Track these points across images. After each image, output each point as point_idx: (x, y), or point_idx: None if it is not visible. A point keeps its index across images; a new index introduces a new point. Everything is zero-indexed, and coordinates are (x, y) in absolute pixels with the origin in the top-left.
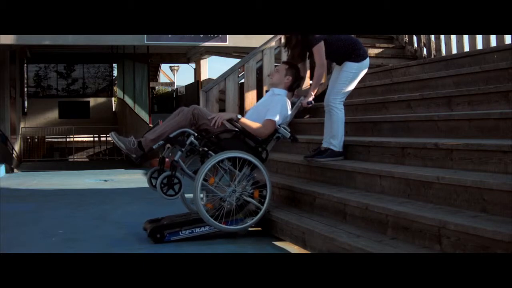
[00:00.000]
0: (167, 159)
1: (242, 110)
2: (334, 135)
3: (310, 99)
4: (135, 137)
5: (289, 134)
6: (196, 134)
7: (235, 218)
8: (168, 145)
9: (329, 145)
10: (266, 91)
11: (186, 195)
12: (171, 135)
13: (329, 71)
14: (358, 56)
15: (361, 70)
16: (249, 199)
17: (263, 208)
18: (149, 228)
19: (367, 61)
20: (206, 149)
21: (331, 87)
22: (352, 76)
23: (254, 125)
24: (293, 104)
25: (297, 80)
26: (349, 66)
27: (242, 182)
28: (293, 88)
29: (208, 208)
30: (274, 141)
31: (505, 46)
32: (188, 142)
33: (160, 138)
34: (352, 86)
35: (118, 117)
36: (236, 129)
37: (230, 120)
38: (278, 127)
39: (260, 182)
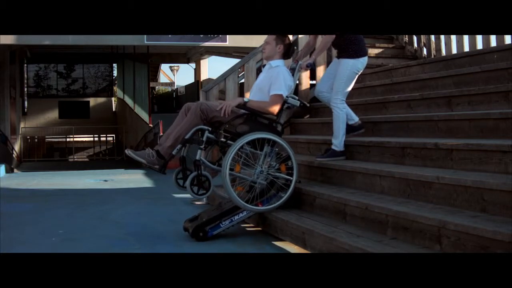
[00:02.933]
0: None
1: None
2: (335, 135)
3: (310, 61)
4: (146, 144)
5: (298, 102)
6: (210, 129)
7: (268, 196)
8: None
9: (332, 145)
10: (263, 66)
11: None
12: (187, 137)
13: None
14: (354, 52)
15: (356, 67)
16: (277, 174)
17: (293, 179)
18: (191, 227)
19: (364, 60)
20: (224, 140)
21: (324, 81)
22: (348, 73)
23: (263, 104)
24: (293, 70)
25: (290, 46)
26: (345, 63)
27: (267, 160)
28: (289, 54)
29: (240, 192)
30: (285, 112)
31: (505, 46)
32: (204, 138)
33: (177, 142)
34: (350, 84)
35: (118, 117)
36: (247, 112)
37: (238, 106)
38: (286, 98)
39: (284, 155)
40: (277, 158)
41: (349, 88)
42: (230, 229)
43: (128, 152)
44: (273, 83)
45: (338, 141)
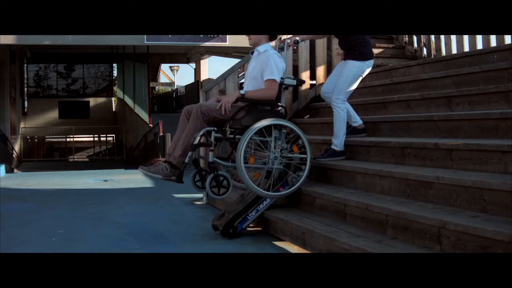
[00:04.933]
0: (202, 160)
1: None
2: (336, 135)
3: (297, 37)
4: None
5: (295, 81)
6: (215, 128)
7: (287, 179)
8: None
9: (332, 145)
10: (251, 53)
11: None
12: (195, 142)
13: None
14: (361, 54)
15: (362, 69)
16: (291, 155)
17: (308, 156)
18: (221, 225)
19: (370, 62)
20: (231, 136)
21: (331, 82)
22: (353, 75)
23: (260, 92)
24: (281, 49)
25: None
26: (351, 64)
27: (278, 144)
28: (274, 36)
29: (257, 179)
30: (284, 93)
31: (505, 46)
32: (212, 139)
33: (187, 150)
34: (354, 85)
35: (118, 117)
36: (247, 103)
37: (236, 100)
38: (282, 80)
39: (293, 136)
40: (287, 141)
41: (352, 89)
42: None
43: (142, 170)
44: (265, 69)
45: (338, 141)
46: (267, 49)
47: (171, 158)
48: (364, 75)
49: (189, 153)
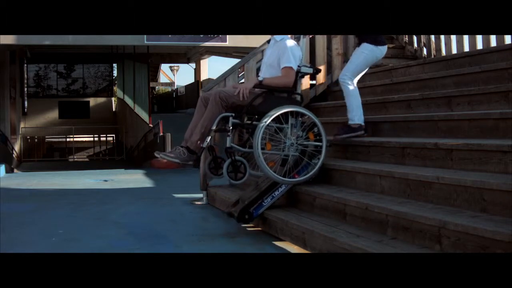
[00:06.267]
0: (215, 147)
1: None
2: (349, 108)
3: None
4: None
5: (311, 69)
6: (233, 114)
7: (303, 166)
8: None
9: (348, 121)
10: (268, 41)
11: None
12: (213, 127)
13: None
14: (375, 40)
15: (374, 53)
16: (306, 142)
17: (323, 144)
18: (236, 212)
19: (383, 48)
20: (249, 122)
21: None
22: (365, 56)
23: (277, 79)
24: (297, 39)
25: None
26: (364, 46)
27: (294, 131)
28: None
29: (272, 167)
30: (300, 81)
31: (505, 46)
32: (230, 125)
33: (205, 134)
34: (363, 67)
35: (118, 117)
36: (264, 90)
37: (254, 86)
38: (299, 68)
39: (309, 123)
40: (303, 128)
41: (360, 70)
42: (230, 229)
43: (160, 155)
44: (281, 56)
45: (353, 114)
46: (283, 37)
47: (189, 143)
48: (375, 61)
49: (208, 138)
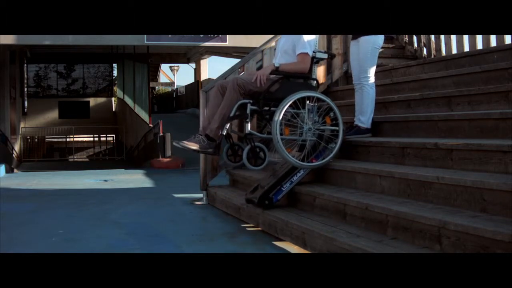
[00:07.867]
0: (232, 134)
1: None
2: (363, 112)
3: None
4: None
5: (326, 54)
6: (251, 101)
7: (320, 150)
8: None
9: (357, 121)
10: None
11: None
12: (232, 114)
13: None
14: None
15: (377, 42)
16: (323, 127)
17: (340, 128)
18: (255, 198)
19: (382, 36)
20: (267, 108)
21: (356, 65)
22: (371, 49)
23: (293, 65)
24: None
25: None
26: (364, 41)
27: (310, 116)
28: None
29: (289, 153)
30: (315, 66)
31: (505, 46)
32: (248, 111)
33: (224, 121)
34: (375, 60)
35: (118, 117)
36: (280, 75)
37: (271, 72)
38: (314, 53)
39: (325, 108)
40: (319, 114)
41: (374, 63)
42: (230, 229)
43: (180, 143)
44: (297, 43)
45: (365, 118)
46: None
47: (208, 131)
48: (380, 48)
49: (227, 126)
